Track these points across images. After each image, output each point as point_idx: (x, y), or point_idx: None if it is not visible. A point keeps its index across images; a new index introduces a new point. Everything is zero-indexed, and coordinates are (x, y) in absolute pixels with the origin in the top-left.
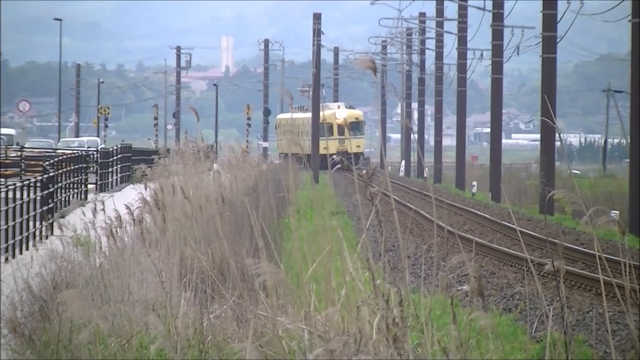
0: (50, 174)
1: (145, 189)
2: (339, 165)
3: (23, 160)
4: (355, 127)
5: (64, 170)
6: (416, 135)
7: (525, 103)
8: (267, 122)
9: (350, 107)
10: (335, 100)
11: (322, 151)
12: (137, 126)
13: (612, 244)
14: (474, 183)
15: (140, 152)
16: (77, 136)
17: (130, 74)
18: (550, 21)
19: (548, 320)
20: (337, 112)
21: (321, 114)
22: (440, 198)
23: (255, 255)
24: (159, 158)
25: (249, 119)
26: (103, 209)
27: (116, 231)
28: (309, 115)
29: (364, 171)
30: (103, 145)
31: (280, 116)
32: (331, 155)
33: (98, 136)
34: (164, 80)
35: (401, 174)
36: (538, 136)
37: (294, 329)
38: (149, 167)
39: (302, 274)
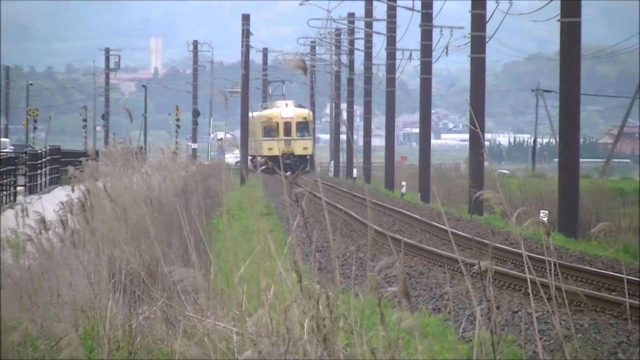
0: None
1: (73, 191)
2: (263, 167)
3: None
4: (303, 127)
5: None
6: (345, 136)
7: (455, 103)
8: (196, 123)
9: (300, 106)
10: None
11: (266, 152)
12: (66, 128)
13: (541, 244)
14: (403, 183)
15: (70, 154)
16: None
17: (60, 75)
18: (479, 21)
19: (476, 321)
20: (283, 111)
21: (266, 112)
22: (369, 198)
23: (185, 257)
24: (87, 160)
25: (178, 120)
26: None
27: (45, 233)
28: (273, 111)
29: (287, 172)
30: (12, 147)
31: (255, 114)
32: (276, 157)
33: (27, 139)
34: (93, 81)
35: (330, 174)
36: (467, 136)
37: (224, 330)
38: (78, 169)
39: (233, 275)
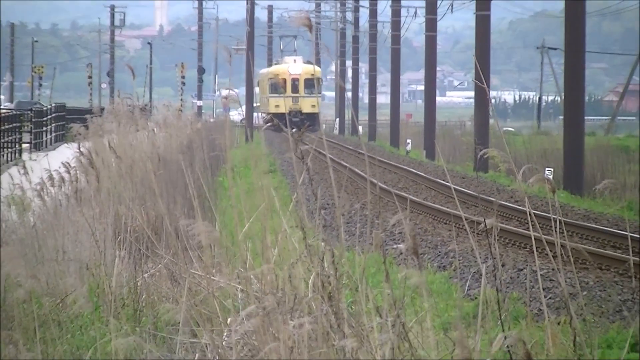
0: None
1: (79, 148)
2: (269, 124)
3: None
4: (311, 84)
5: None
6: (350, 93)
7: (460, 60)
8: (202, 80)
9: (308, 62)
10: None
11: (273, 110)
12: (71, 85)
13: (546, 201)
14: (409, 141)
15: (75, 111)
16: (12, 95)
17: (65, 32)
18: None
19: (482, 278)
20: (290, 67)
21: (273, 68)
22: (374, 156)
23: (190, 214)
24: (92, 117)
25: (183, 77)
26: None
27: (50, 190)
28: (281, 67)
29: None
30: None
31: (263, 71)
32: (283, 115)
33: (32, 96)
34: (98, 39)
35: (335, 131)
36: (472, 93)
37: (228, 288)
38: (83, 125)
39: (238, 232)
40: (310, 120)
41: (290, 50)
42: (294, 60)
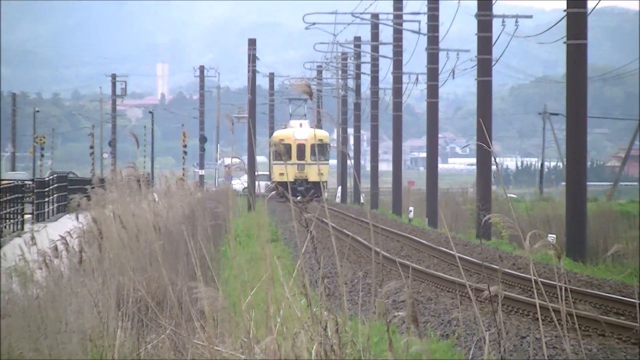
0: None
1: (77, 219)
2: (273, 192)
3: None
4: (319, 150)
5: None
6: (352, 161)
7: (462, 127)
8: (203, 149)
9: (316, 126)
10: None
11: (277, 178)
12: (73, 155)
13: (549, 268)
14: (411, 208)
15: (77, 181)
16: (14, 166)
17: (66, 102)
18: (485, 44)
19: (485, 346)
20: (296, 132)
21: (278, 133)
22: (377, 224)
23: (192, 284)
24: (93, 187)
25: (185, 146)
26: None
27: (52, 261)
28: (286, 132)
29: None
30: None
31: (276, 133)
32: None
33: (34, 166)
34: (100, 108)
35: (337, 199)
36: (474, 160)
37: (232, 358)
38: (85, 196)
39: (240, 302)
40: (317, 188)
41: (300, 114)
42: (300, 125)
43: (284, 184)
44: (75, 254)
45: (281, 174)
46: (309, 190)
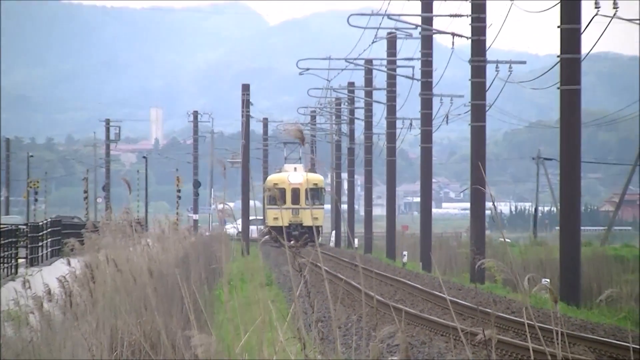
0: None
1: (69, 263)
2: (267, 237)
3: None
4: (314, 195)
5: None
6: (346, 205)
7: (455, 171)
8: (197, 194)
9: (311, 170)
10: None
11: (271, 222)
12: (67, 199)
13: (543, 312)
14: (405, 253)
15: (71, 225)
16: (8, 210)
17: (60, 147)
18: (479, 89)
19: None
20: (290, 176)
21: (273, 177)
22: (370, 268)
23: (187, 327)
24: (86, 232)
25: (179, 190)
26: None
27: (46, 305)
28: (280, 176)
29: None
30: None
31: (270, 178)
32: (285, 227)
33: (28, 211)
34: (94, 153)
35: (331, 244)
36: (468, 205)
37: None
38: (78, 240)
39: (234, 345)
40: (312, 233)
41: (295, 158)
42: (295, 169)
43: (278, 229)
44: (68, 297)
45: (275, 219)
46: (304, 235)
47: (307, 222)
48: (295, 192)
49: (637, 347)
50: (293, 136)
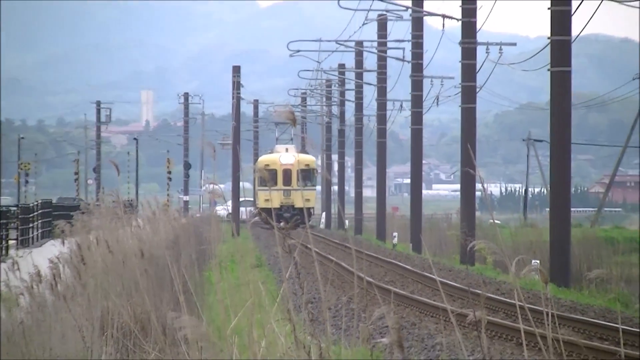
0: None
1: (63, 244)
2: (256, 218)
3: None
4: (306, 176)
5: None
6: (336, 187)
7: (446, 153)
8: (188, 175)
9: (303, 151)
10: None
11: (262, 204)
12: (58, 181)
13: (533, 294)
14: (395, 234)
15: (62, 207)
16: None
17: (51, 129)
18: (469, 71)
19: None
20: (282, 157)
21: (264, 158)
22: (361, 249)
23: (177, 309)
24: (83, 213)
25: (169, 172)
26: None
27: (37, 286)
28: (272, 157)
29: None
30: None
31: (261, 159)
32: (274, 209)
33: (19, 193)
34: (85, 135)
35: (322, 225)
36: (458, 186)
37: None
38: (69, 222)
39: (224, 327)
40: (304, 215)
41: (287, 139)
42: (286, 150)
43: (269, 211)
44: (57, 279)
45: (267, 200)
46: (295, 216)
47: (299, 203)
48: (287, 173)
49: (626, 327)
50: (284, 118)
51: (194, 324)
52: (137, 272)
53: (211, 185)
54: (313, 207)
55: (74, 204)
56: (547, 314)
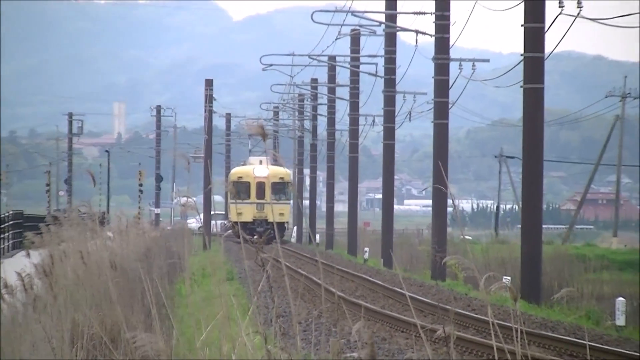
0: None
1: (28, 255)
2: (229, 232)
3: None
4: (280, 189)
5: None
6: (308, 201)
7: (418, 168)
8: (159, 188)
9: (276, 164)
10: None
11: (235, 218)
12: (29, 192)
13: (504, 310)
14: (366, 249)
15: (33, 218)
16: None
17: (23, 140)
18: (442, 87)
19: None
20: (255, 169)
21: (237, 170)
22: (332, 264)
23: (147, 322)
24: (47, 225)
25: (141, 185)
26: None
27: (6, 298)
28: (245, 169)
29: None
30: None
31: (234, 171)
32: (247, 223)
33: None
34: (56, 146)
35: (293, 240)
36: (430, 202)
37: None
38: (39, 233)
39: (195, 340)
40: (279, 230)
41: (260, 151)
42: (260, 162)
43: (242, 224)
44: (29, 291)
45: (240, 214)
46: (268, 231)
47: (273, 217)
48: (261, 186)
49: (594, 344)
50: (255, 132)
51: (151, 340)
52: (108, 284)
53: (184, 198)
54: (287, 222)
55: (39, 216)
56: (517, 331)
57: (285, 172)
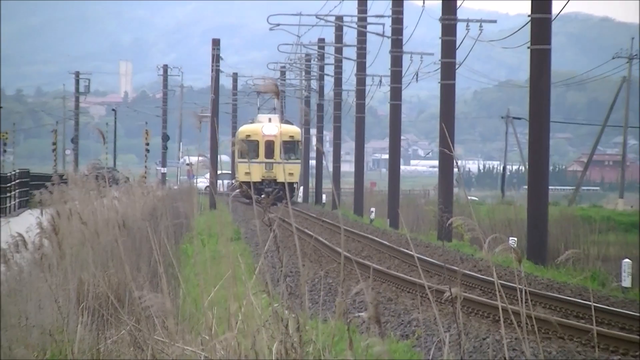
0: None
1: (42, 214)
2: (237, 191)
3: None
4: (290, 148)
5: None
6: (314, 161)
7: (424, 129)
8: (166, 147)
9: (287, 122)
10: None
11: (242, 177)
12: (35, 151)
13: (510, 271)
14: (372, 209)
15: (39, 177)
16: None
17: (29, 99)
18: (449, 47)
19: (445, 347)
20: (264, 127)
21: (245, 128)
22: (338, 224)
23: (154, 281)
24: (53, 184)
25: (147, 144)
26: None
27: (12, 256)
28: (253, 127)
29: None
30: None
31: (242, 129)
32: (255, 183)
33: None
34: (63, 105)
35: (299, 199)
36: (437, 162)
37: (192, 355)
38: (44, 192)
39: (202, 299)
40: (289, 190)
41: (269, 108)
42: (269, 120)
43: (249, 184)
44: (36, 250)
45: (247, 173)
46: (277, 191)
47: (282, 177)
48: (270, 144)
49: (599, 306)
50: (267, 91)
51: (159, 301)
52: (114, 243)
53: (194, 158)
54: (297, 182)
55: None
56: (521, 291)
57: (295, 130)
